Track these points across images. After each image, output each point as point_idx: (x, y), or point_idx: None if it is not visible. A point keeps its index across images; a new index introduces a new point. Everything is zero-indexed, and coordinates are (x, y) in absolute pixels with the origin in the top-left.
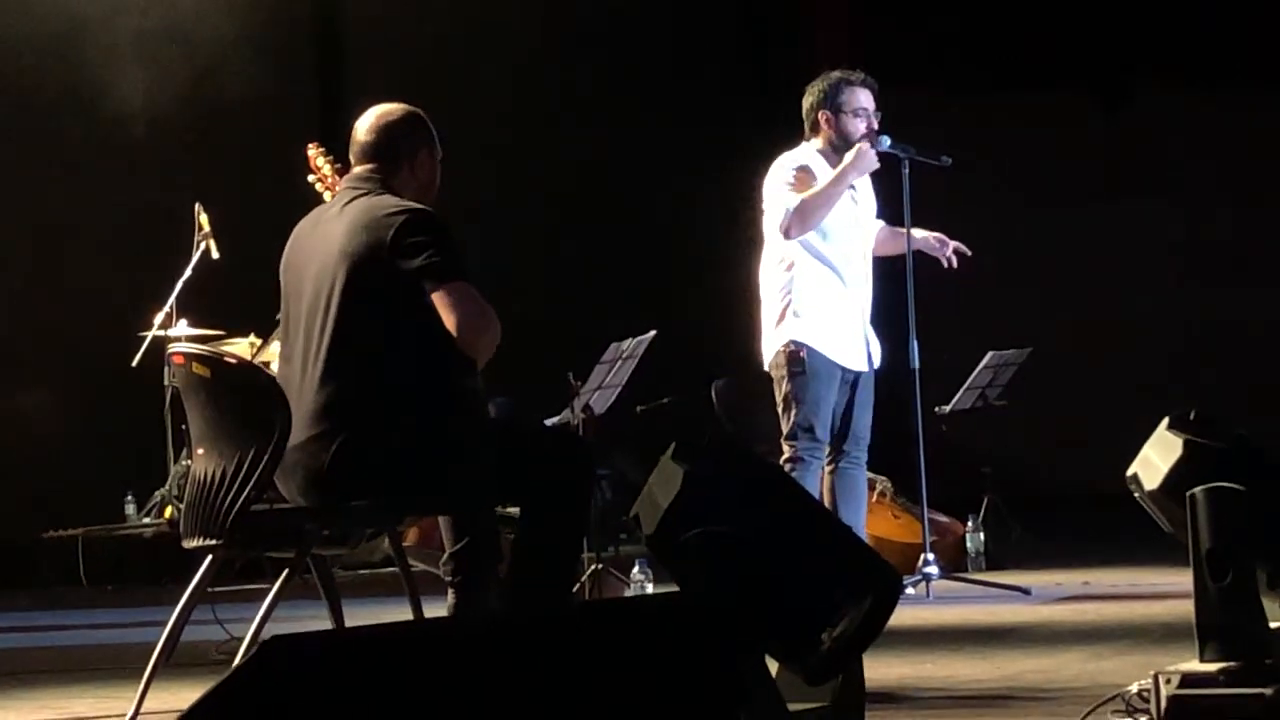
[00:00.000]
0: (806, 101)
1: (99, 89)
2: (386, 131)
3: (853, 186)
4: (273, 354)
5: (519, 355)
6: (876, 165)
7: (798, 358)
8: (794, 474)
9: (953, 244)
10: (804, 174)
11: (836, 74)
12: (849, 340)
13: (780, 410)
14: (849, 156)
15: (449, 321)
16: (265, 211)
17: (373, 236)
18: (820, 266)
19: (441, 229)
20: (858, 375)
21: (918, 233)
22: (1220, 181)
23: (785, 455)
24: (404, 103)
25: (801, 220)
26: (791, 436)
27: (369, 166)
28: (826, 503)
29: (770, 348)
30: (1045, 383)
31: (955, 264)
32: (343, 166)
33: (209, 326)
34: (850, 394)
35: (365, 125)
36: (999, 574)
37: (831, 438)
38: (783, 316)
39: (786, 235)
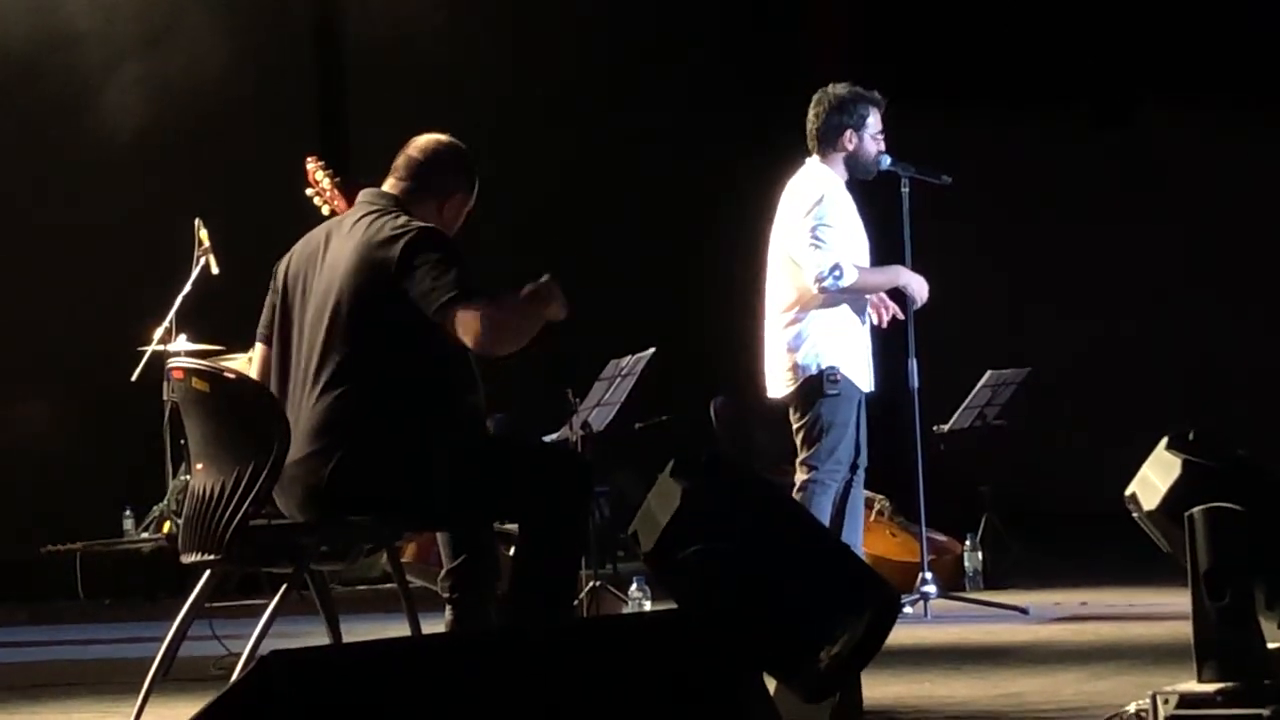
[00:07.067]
0: (821, 113)
1: (98, 102)
2: (432, 161)
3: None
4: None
5: (518, 372)
6: (924, 293)
7: (834, 380)
8: (814, 496)
9: (893, 310)
10: (832, 215)
11: (856, 89)
12: (864, 362)
13: (804, 434)
14: (909, 278)
15: (465, 341)
16: (265, 226)
17: (380, 255)
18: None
19: (448, 245)
20: (865, 396)
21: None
22: (1221, 201)
23: (805, 477)
24: (445, 134)
25: (842, 289)
26: (815, 459)
27: (397, 184)
28: (828, 519)
29: (789, 373)
30: (1044, 402)
31: (885, 324)
32: (342, 180)
33: (208, 341)
34: (861, 415)
35: (418, 145)
36: (997, 593)
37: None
38: (803, 345)
39: (819, 289)
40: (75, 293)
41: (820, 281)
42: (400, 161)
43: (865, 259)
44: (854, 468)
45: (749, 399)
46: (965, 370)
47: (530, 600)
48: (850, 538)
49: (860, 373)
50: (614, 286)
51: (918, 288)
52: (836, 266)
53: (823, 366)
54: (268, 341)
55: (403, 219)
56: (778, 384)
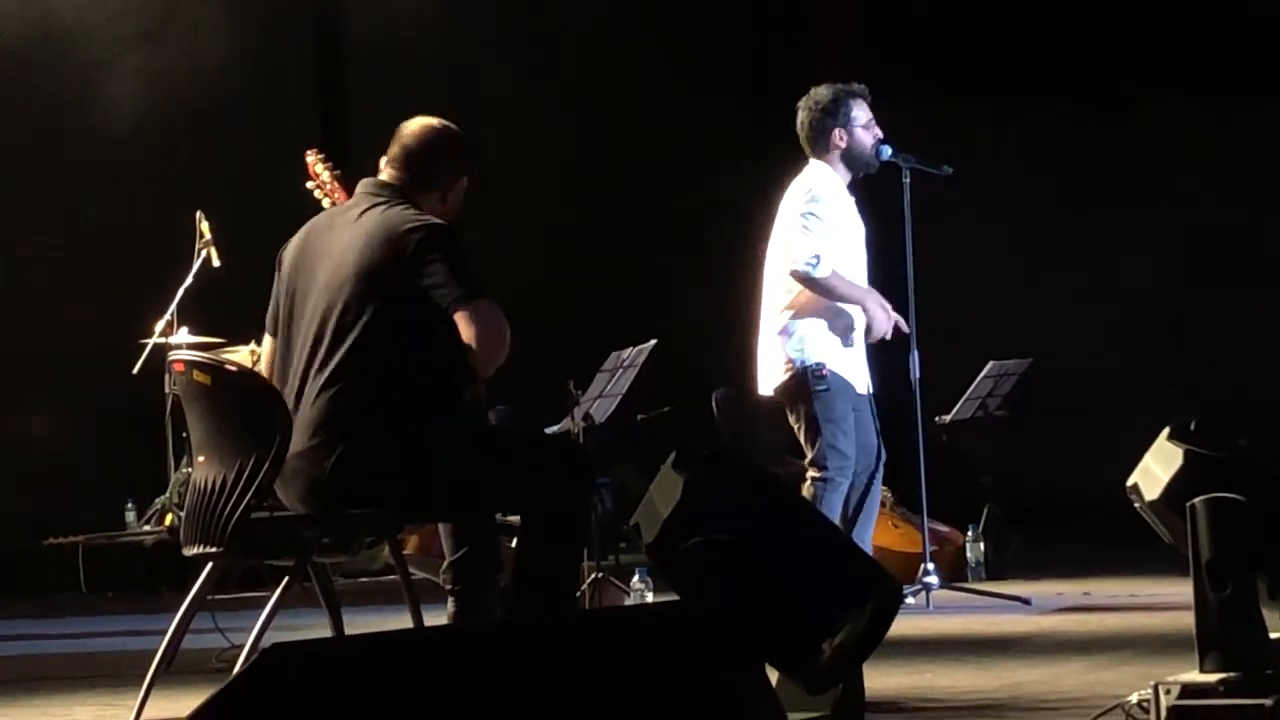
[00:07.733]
0: (808, 117)
1: (99, 96)
2: (432, 149)
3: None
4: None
5: (519, 363)
6: (884, 330)
7: (820, 376)
8: (823, 495)
9: (895, 319)
10: (827, 211)
11: (837, 87)
12: (857, 362)
13: (804, 433)
14: (874, 307)
15: (470, 337)
16: (266, 219)
17: (391, 251)
18: None
19: (458, 245)
20: (864, 396)
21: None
22: (1220, 189)
23: (814, 475)
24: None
25: (818, 291)
26: (821, 457)
27: (398, 175)
28: (839, 516)
29: (781, 371)
30: (1046, 393)
31: (889, 336)
32: (342, 173)
33: (210, 334)
34: (867, 414)
35: (413, 133)
36: (999, 584)
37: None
38: (793, 339)
39: (792, 271)
40: (76, 286)
41: (795, 264)
42: (396, 152)
43: (861, 260)
44: (876, 459)
45: (751, 392)
46: (967, 361)
47: (532, 592)
48: (862, 534)
49: (855, 374)
50: (614, 283)
51: (880, 319)
52: (816, 255)
53: (809, 363)
54: (276, 333)
55: (411, 211)
56: (770, 378)
